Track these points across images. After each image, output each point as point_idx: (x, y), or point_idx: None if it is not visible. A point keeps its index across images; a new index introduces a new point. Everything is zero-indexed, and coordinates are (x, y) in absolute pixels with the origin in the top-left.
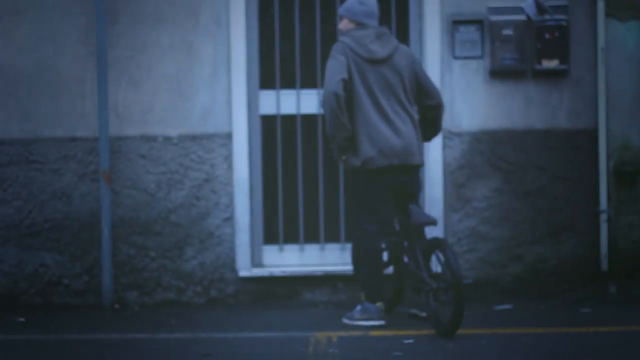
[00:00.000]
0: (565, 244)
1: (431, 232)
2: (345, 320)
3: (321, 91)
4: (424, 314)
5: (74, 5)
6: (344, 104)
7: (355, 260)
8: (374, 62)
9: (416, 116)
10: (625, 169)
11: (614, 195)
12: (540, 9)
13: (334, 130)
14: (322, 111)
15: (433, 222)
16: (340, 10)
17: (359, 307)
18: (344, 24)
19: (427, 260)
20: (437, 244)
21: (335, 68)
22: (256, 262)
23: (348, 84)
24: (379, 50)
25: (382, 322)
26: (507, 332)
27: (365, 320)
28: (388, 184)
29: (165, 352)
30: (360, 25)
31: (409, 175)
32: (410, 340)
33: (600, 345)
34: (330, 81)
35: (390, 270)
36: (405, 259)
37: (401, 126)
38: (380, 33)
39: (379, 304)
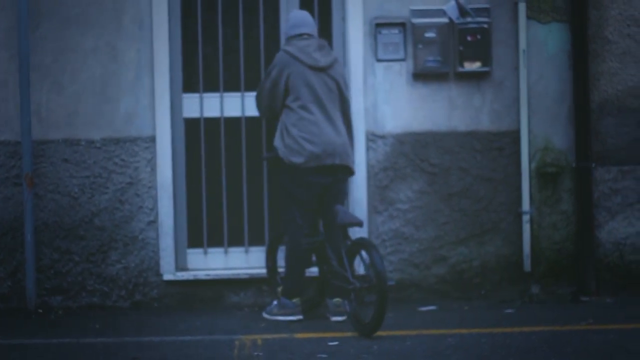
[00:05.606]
0: (489, 245)
1: (355, 234)
2: (266, 315)
3: (245, 94)
4: (343, 317)
5: None
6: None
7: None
8: (318, 69)
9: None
10: (547, 170)
11: (537, 196)
12: (462, 12)
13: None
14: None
15: (359, 223)
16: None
17: (275, 302)
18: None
19: (352, 260)
20: (362, 245)
21: (273, 86)
22: (180, 265)
23: (291, 94)
24: (321, 59)
25: (300, 317)
26: (432, 333)
27: (283, 315)
28: (323, 182)
29: (91, 356)
30: (298, 36)
31: (343, 177)
32: (336, 342)
33: (524, 345)
34: (268, 101)
35: (313, 270)
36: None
37: (341, 129)
38: (322, 45)
39: (296, 300)
